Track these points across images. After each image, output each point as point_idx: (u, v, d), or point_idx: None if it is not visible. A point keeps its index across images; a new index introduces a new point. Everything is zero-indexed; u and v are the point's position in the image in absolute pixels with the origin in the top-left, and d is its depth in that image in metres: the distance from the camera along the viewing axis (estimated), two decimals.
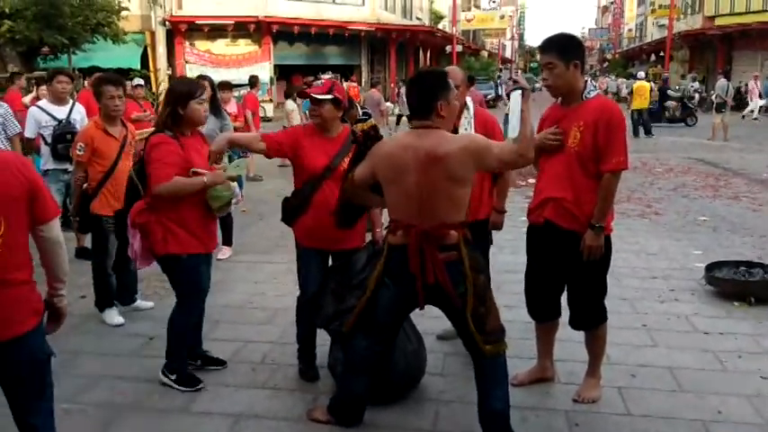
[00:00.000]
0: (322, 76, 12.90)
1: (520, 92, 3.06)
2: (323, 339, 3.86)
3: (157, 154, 3.59)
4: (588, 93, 3.44)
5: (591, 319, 3.60)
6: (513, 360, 4.04)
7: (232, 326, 4.76)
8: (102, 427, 3.41)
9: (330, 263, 3.86)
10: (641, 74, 23.63)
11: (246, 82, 13.21)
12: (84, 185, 4.75)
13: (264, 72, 27.07)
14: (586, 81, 3.49)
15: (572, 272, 3.51)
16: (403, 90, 24.78)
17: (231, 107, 8.70)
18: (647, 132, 19.06)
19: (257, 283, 5.81)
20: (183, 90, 3.72)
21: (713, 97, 20.31)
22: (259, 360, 4.19)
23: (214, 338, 4.42)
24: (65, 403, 3.41)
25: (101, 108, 4.75)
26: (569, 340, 4.00)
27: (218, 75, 19.24)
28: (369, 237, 3.91)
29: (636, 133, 18.81)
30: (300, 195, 3.72)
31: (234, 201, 3.90)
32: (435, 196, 2.98)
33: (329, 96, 3.67)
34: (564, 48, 3.42)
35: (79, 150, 4.69)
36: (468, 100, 4.10)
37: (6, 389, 2.56)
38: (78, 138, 4.82)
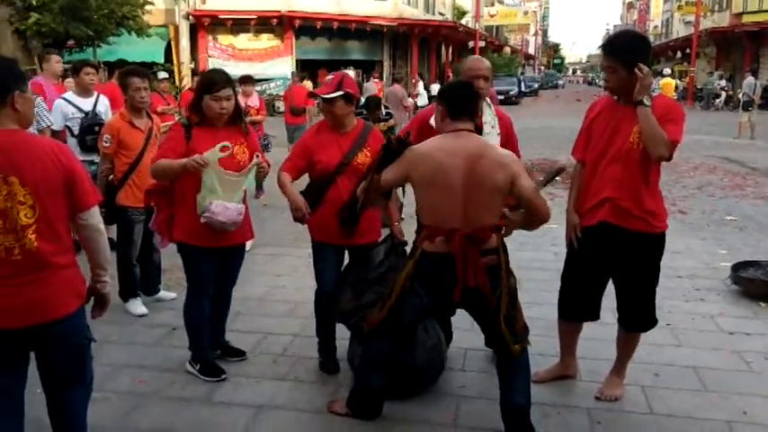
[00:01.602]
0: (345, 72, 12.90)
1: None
2: (344, 333, 3.86)
3: (163, 140, 3.70)
4: (653, 90, 3.36)
5: (647, 319, 3.56)
6: (535, 357, 4.01)
7: (253, 317, 4.79)
8: (124, 415, 3.44)
9: (346, 257, 3.85)
10: (667, 71, 23.37)
11: (268, 77, 13.29)
12: (110, 177, 4.80)
13: (286, 67, 27.13)
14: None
15: (626, 272, 3.46)
16: (420, 84, 24.77)
17: (253, 101, 8.76)
18: None
19: (278, 275, 5.84)
20: (203, 82, 3.69)
21: (740, 95, 20.02)
22: (280, 352, 4.21)
23: (235, 329, 4.44)
24: None
25: (127, 100, 4.79)
26: (592, 338, 3.97)
27: (240, 69, 19.38)
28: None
29: None
30: (313, 192, 3.70)
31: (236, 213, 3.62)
32: (479, 200, 2.96)
33: (339, 93, 3.61)
34: (627, 52, 3.27)
35: (105, 142, 4.73)
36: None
37: (45, 374, 2.61)
38: (105, 130, 4.86)
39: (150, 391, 3.68)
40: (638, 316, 3.55)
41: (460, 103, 3.06)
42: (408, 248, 3.47)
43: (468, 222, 2.96)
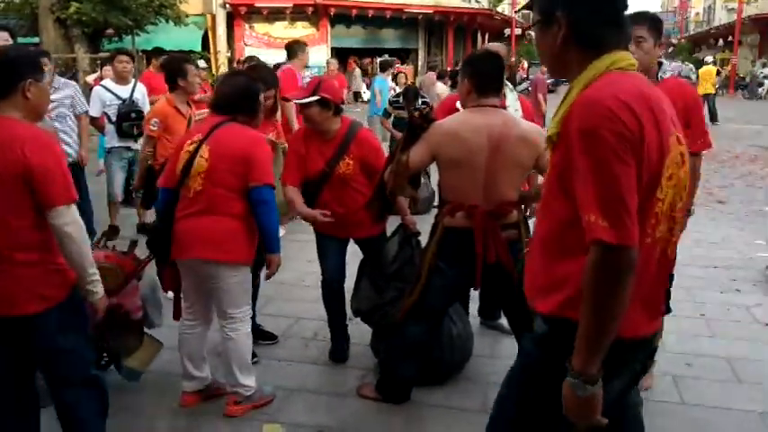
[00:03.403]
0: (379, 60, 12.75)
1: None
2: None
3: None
4: (663, 73, 3.32)
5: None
6: None
7: (285, 302, 4.85)
8: (156, 396, 3.52)
9: (349, 248, 3.85)
10: (709, 58, 22.74)
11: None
12: (150, 161, 4.89)
13: (321, 55, 27.19)
14: (661, 63, 3.37)
15: None
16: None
17: None
18: (713, 119, 18.40)
19: (310, 261, 5.87)
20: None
21: None
22: (311, 336, 4.26)
23: (267, 314, 4.50)
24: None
25: (182, 86, 4.83)
26: None
27: (276, 57, 19.46)
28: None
29: None
30: (307, 196, 3.67)
31: None
32: (501, 177, 2.95)
33: (314, 98, 3.51)
34: (654, 23, 3.26)
35: (153, 126, 4.84)
36: None
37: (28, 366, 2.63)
38: (153, 114, 4.96)
39: (177, 373, 3.71)
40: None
41: (488, 79, 3.02)
42: (423, 239, 3.46)
43: (488, 198, 2.96)
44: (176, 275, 3.35)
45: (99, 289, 2.57)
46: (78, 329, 2.59)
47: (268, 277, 3.36)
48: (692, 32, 60.85)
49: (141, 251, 3.49)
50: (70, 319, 2.53)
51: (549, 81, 33.73)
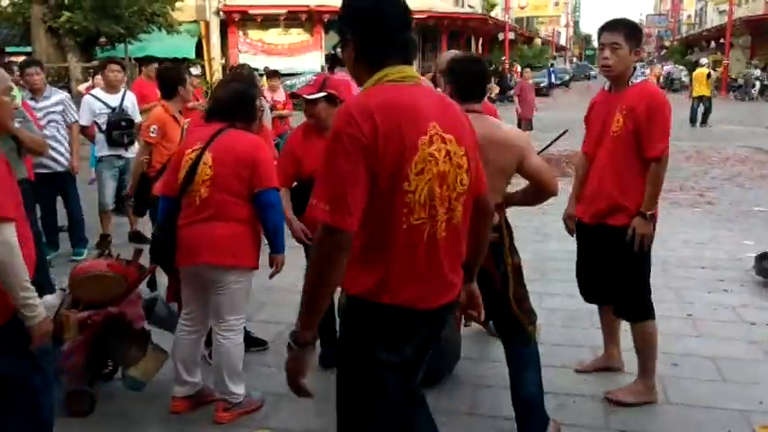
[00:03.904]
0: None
1: None
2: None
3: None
4: (635, 78, 3.38)
5: (633, 310, 3.47)
6: (556, 348, 4.06)
7: (276, 308, 4.86)
8: (146, 402, 3.53)
9: None
10: (704, 60, 22.69)
11: (298, 71, 13.40)
12: (144, 169, 4.92)
13: (316, 61, 27.27)
14: (635, 67, 3.43)
15: (612, 263, 3.45)
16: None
17: (279, 95, 8.87)
18: (703, 122, 18.43)
19: (302, 267, 5.90)
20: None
21: None
22: None
23: (258, 320, 4.52)
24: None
25: (181, 94, 4.86)
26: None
27: (270, 64, 19.53)
28: None
29: (693, 121, 18.27)
30: (300, 197, 3.65)
31: None
32: None
33: (322, 94, 3.54)
34: (631, 31, 3.35)
35: (152, 133, 4.88)
36: None
37: None
38: (151, 120, 4.99)
39: (169, 379, 3.75)
40: (621, 303, 3.51)
41: (470, 85, 3.04)
42: None
43: None
44: (178, 287, 3.39)
45: (35, 313, 2.38)
46: (21, 354, 2.43)
47: (272, 276, 3.45)
48: (684, 35, 61.15)
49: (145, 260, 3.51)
50: (10, 343, 2.41)
51: (543, 85, 33.94)
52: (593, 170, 3.50)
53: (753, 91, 30.18)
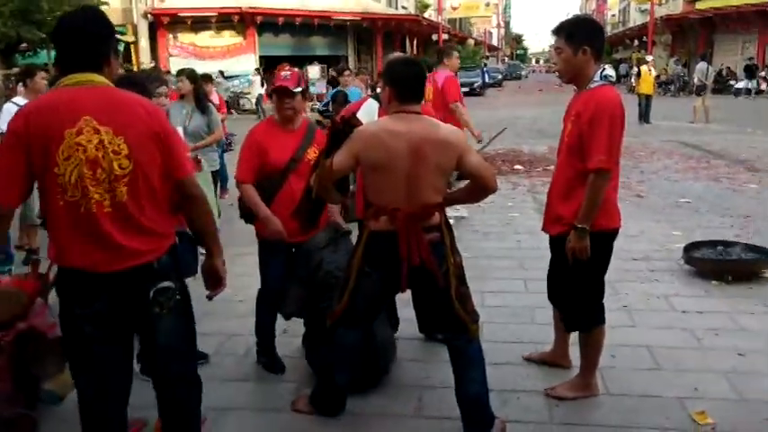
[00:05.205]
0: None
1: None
2: (297, 330, 3.89)
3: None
4: (593, 82, 3.25)
5: (581, 320, 3.49)
6: (499, 345, 4.10)
7: (216, 319, 4.75)
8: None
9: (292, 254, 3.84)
10: (649, 57, 22.50)
11: (232, 74, 13.21)
12: None
13: (250, 63, 26.93)
14: (597, 69, 3.28)
15: (558, 274, 3.50)
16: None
17: (213, 98, 8.74)
18: (646, 120, 18.34)
19: (239, 276, 5.80)
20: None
21: (694, 81, 20.32)
22: (243, 353, 4.20)
23: (200, 332, 4.40)
24: None
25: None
26: None
27: (203, 67, 19.18)
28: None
29: (641, 119, 18.26)
30: (263, 191, 3.66)
31: None
32: (423, 181, 2.99)
33: (300, 89, 3.70)
34: (573, 32, 3.27)
35: None
36: None
37: None
38: None
39: None
40: (570, 314, 3.54)
41: (408, 88, 3.06)
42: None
43: (411, 201, 3.00)
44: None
45: None
46: None
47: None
48: (609, 33, 63.15)
49: None
50: None
51: (477, 84, 34.34)
52: (552, 177, 3.52)
53: (672, 88, 31.36)
